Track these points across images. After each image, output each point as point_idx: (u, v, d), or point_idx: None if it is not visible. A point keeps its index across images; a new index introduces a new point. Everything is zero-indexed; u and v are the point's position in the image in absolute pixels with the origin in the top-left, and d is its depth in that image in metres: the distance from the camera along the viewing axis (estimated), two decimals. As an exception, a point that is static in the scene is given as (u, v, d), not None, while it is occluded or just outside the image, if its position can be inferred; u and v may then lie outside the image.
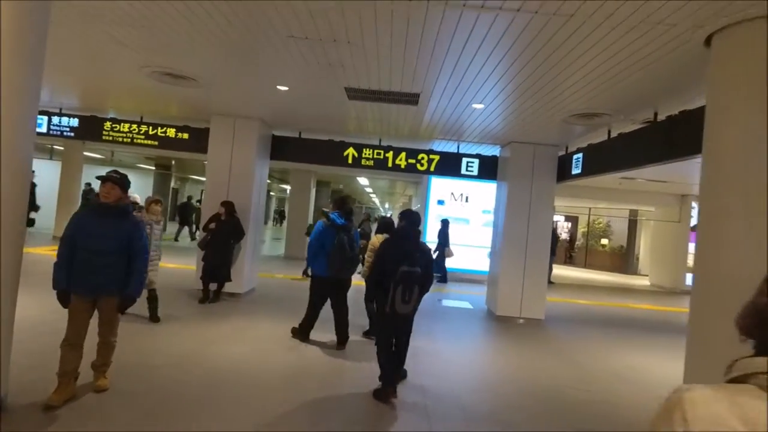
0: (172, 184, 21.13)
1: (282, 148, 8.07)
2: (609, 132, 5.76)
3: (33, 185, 9.37)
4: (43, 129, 8.07)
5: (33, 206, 9.87)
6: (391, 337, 3.93)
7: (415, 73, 4.40)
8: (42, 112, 8.06)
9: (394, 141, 8.08)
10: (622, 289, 13.15)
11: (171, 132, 7.99)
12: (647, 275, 15.03)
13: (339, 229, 4.91)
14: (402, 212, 4.29)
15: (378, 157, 7.99)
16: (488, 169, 8.02)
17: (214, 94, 5.92)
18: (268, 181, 10.96)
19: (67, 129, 8.11)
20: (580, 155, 6.49)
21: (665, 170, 8.16)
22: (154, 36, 4.07)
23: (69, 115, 8.09)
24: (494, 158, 8.05)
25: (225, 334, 5.34)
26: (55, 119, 8.07)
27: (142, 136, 8.01)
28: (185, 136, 7.99)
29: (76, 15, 3.73)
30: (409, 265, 3.60)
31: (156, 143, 8.02)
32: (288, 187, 24.34)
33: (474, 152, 8.21)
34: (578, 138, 6.56)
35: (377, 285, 3.78)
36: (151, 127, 7.98)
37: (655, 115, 4.81)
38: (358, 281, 5.50)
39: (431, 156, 7.97)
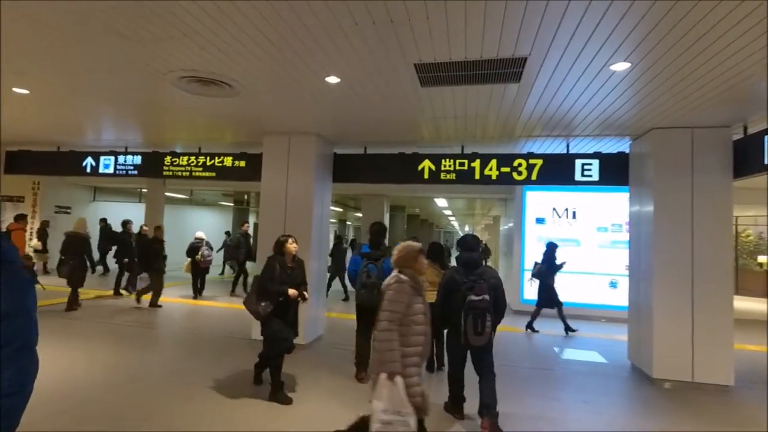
0: (253, 219, 21.30)
1: (346, 168, 6.89)
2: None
3: (129, 234, 9.40)
4: (110, 170, 7.81)
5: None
6: (462, 368, 3.85)
7: (523, 23, 2.89)
8: (109, 153, 7.81)
9: (479, 147, 6.52)
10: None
11: (228, 161, 7.24)
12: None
13: (363, 256, 4.90)
14: (461, 238, 4.05)
15: (461, 168, 6.46)
16: (614, 171, 6.06)
17: (251, 100, 4.87)
18: (339, 209, 9.91)
19: (131, 167, 7.74)
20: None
21: None
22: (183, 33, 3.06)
23: (133, 153, 7.73)
24: (622, 156, 6.09)
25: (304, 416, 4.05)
26: (121, 158, 7.75)
27: (200, 168, 7.36)
28: (242, 164, 7.19)
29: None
30: (475, 294, 3.52)
31: (213, 174, 7.31)
32: (359, 214, 23.55)
33: (589, 151, 6.35)
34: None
35: (444, 317, 3.75)
36: (208, 158, 7.32)
37: None
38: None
39: (532, 161, 6.24)
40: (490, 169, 6.34)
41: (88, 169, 7.85)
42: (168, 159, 7.50)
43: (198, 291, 9.74)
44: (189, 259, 9.45)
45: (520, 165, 6.25)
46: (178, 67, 3.88)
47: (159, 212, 12.47)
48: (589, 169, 6.13)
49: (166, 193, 13.12)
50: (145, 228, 9.46)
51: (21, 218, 8.15)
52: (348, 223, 30.18)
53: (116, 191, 14.81)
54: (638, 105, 4.43)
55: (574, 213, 9.37)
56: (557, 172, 6.19)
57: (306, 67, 3.80)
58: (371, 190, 11.94)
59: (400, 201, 15.66)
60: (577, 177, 6.16)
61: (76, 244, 7.51)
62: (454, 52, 3.36)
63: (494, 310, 3.58)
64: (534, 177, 6.22)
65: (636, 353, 5.63)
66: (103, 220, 13.16)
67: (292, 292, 4.13)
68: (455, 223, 31.75)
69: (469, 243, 3.86)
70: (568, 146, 6.28)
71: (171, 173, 7.48)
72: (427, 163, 6.63)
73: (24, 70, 4.21)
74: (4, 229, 8.10)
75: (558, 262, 7.60)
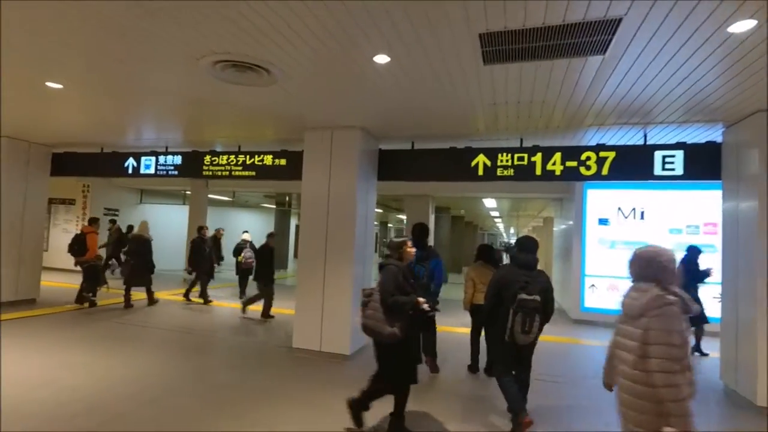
0: (294, 222, 21.29)
1: (392, 165, 6.39)
2: None
3: (204, 240, 9.05)
4: (151, 170, 7.71)
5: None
6: (511, 368, 3.83)
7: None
8: (150, 153, 7.72)
9: (540, 139, 5.86)
10: None
11: (268, 159, 6.93)
12: None
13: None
14: (519, 240, 4.04)
15: (520, 163, 5.81)
16: (702, 163, 5.23)
17: (290, 88, 4.47)
18: (380, 210, 9.44)
19: (172, 167, 7.60)
20: None
21: None
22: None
23: (173, 153, 7.60)
24: (711, 146, 5.25)
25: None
26: (162, 159, 7.64)
27: (240, 168, 7.10)
28: (282, 162, 6.86)
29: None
30: (527, 294, 3.53)
31: (253, 173, 7.02)
32: (405, 217, 23.04)
33: (670, 141, 5.55)
34: None
35: (490, 313, 3.79)
36: (248, 157, 7.04)
37: None
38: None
39: (602, 153, 5.50)
40: (554, 164, 5.66)
41: (130, 170, 7.79)
42: (207, 158, 7.29)
43: (242, 293, 9.69)
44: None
45: (588, 158, 5.53)
46: (212, 51, 3.52)
47: (202, 214, 12.49)
48: (672, 162, 5.32)
49: (210, 195, 13.15)
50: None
51: (94, 222, 8.54)
52: (389, 225, 29.75)
53: (162, 193, 15.06)
54: (748, 81, 3.66)
55: (642, 213, 8.44)
56: (633, 165, 5.42)
57: (352, 44, 3.32)
58: (415, 190, 11.40)
59: (445, 202, 15.02)
60: (657, 171, 5.36)
61: (139, 246, 8.06)
62: (531, 16, 2.78)
63: (544, 311, 3.62)
64: (605, 172, 5.48)
65: (731, 375, 4.79)
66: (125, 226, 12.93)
67: (421, 302, 3.34)
68: (500, 226, 30.60)
69: (527, 244, 3.87)
70: (645, 136, 5.51)
71: (210, 173, 7.28)
72: (481, 159, 6.03)
73: (55, 61, 4.00)
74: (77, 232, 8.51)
75: (702, 268, 6.24)
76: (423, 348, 4.75)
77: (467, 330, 5.55)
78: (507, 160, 5.91)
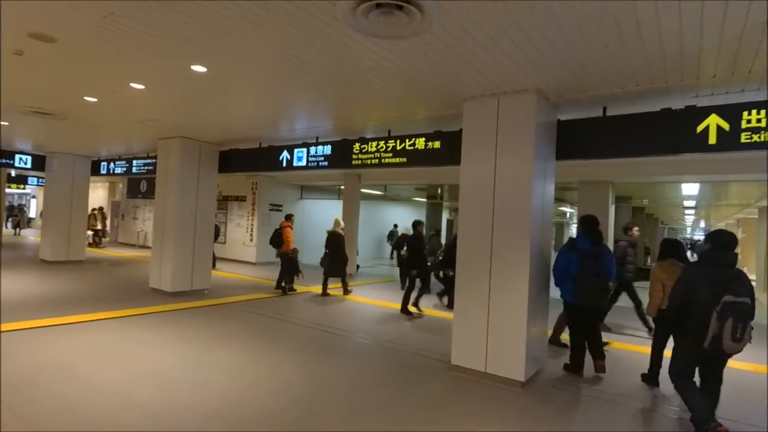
0: (446, 216, 20.48)
1: (574, 140, 4.89)
2: None
3: (421, 239, 8.12)
4: (303, 162, 7.59)
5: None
6: (693, 375, 3.57)
7: None
8: (302, 145, 7.60)
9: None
10: None
11: (420, 143, 6.06)
12: None
13: (584, 254, 4.65)
14: (714, 234, 3.57)
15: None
16: None
17: (446, 36, 3.42)
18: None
19: (322, 158, 7.34)
20: None
21: None
22: None
23: (323, 143, 7.32)
24: None
25: None
26: (312, 150, 7.44)
27: (390, 154, 6.40)
28: (436, 144, 5.92)
29: None
30: (734, 295, 3.18)
31: (404, 160, 6.24)
32: (567, 210, 20.25)
33: None
34: None
35: (677, 319, 3.50)
36: (398, 142, 6.29)
37: None
38: None
39: None
40: None
41: (284, 163, 7.79)
42: (357, 146, 6.79)
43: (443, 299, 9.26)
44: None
45: None
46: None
47: (355, 208, 12.48)
48: None
49: (362, 190, 13.12)
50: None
51: (289, 218, 9.42)
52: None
53: (319, 189, 15.72)
54: None
55: None
56: None
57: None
58: (592, 175, 9.38)
59: (628, 190, 12.36)
60: None
61: (334, 240, 8.82)
62: None
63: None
64: None
65: None
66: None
67: None
68: (689, 218, 25.00)
69: (726, 240, 3.48)
70: None
71: (360, 161, 6.75)
72: (714, 120, 4.19)
73: (198, 44, 3.70)
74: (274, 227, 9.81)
75: None
76: (589, 347, 4.83)
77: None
78: (758, 119, 3.96)
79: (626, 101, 4.60)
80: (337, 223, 9.14)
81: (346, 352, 5.42)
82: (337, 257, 8.83)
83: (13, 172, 18.95)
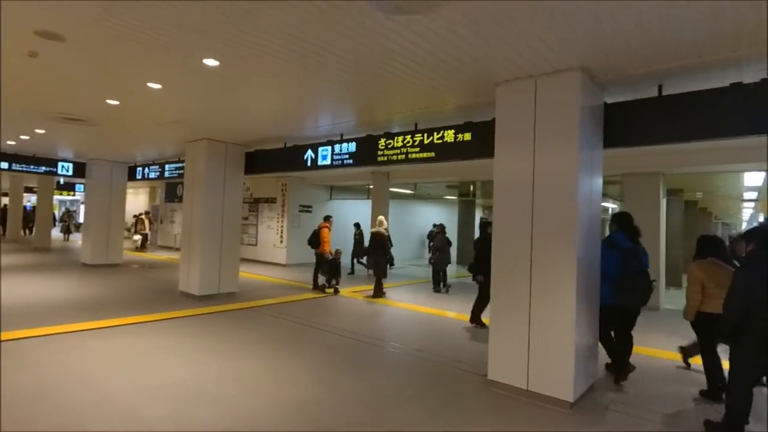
0: (480, 214, 19.79)
1: (623, 125, 4.30)
2: None
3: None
4: (327, 161, 7.29)
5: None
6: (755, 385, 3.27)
7: None
8: (326, 143, 7.31)
9: None
10: None
11: (449, 135, 5.62)
12: None
13: (624, 252, 4.37)
14: (754, 230, 3.42)
15: None
16: None
17: (470, 9, 2.97)
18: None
19: (347, 156, 7.01)
20: None
21: None
22: None
23: (348, 140, 6.99)
24: None
25: None
26: (337, 147, 7.13)
27: (417, 149, 5.99)
28: (467, 137, 5.46)
29: None
30: None
31: (432, 154, 5.81)
32: (610, 205, 19.14)
33: None
34: None
35: (736, 328, 3.11)
36: (425, 135, 5.87)
37: None
38: None
39: None
40: None
41: (309, 163, 7.53)
42: (382, 142, 6.42)
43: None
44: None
45: None
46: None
47: (384, 208, 12.12)
48: None
49: (391, 189, 12.75)
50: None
51: (328, 219, 9.60)
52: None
53: (348, 189, 15.47)
54: None
55: None
56: None
57: None
58: (641, 166, 8.61)
59: (680, 182, 11.37)
60: None
61: (377, 240, 8.76)
62: None
63: None
64: None
65: None
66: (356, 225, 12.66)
67: None
68: (747, 211, 23.11)
69: None
70: None
71: (386, 158, 6.37)
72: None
73: (206, 34, 3.44)
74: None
75: None
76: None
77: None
78: None
79: (686, 77, 4.00)
80: (380, 222, 8.99)
81: (375, 363, 5.05)
82: (381, 256, 8.70)
83: (61, 180, 19.85)
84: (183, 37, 3.60)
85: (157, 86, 5.07)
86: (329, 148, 7.22)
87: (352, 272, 12.20)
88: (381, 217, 9.16)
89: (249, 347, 5.31)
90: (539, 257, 4.02)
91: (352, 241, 12.28)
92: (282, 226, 13.76)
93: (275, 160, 8.29)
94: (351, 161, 6.92)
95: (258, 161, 8.61)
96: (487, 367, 4.34)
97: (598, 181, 4.40)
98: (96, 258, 11.95)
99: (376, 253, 8.80)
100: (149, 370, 4.42)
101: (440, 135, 5.69)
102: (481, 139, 5.19)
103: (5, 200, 21.03)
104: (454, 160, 5.60)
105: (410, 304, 8.34)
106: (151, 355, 4.87)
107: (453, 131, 5.56)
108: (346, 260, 11.00)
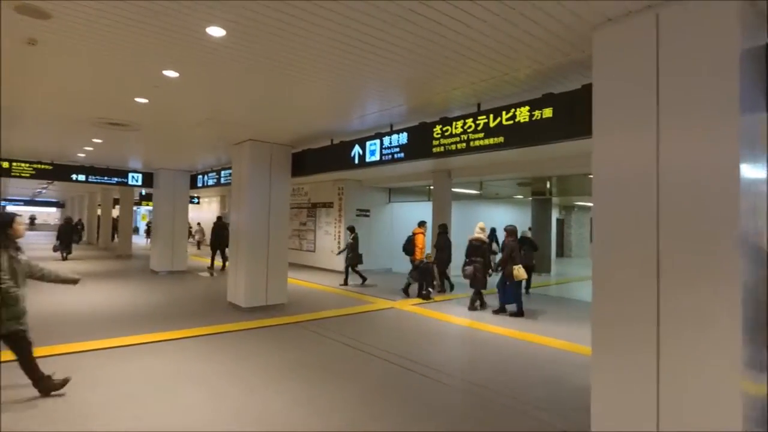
0: (556, 215, 17.81)
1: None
2: None
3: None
4: (376, 156, 6.32)
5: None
6: None
7: None
8: (374, 136, 6.35)
9: None
10: None
11: (522, 113, 4.38)
12: None
13: None
14: None
15: None
16: None
17: None
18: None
19: (397, 149, 5.98)
20: None
21: None
22: None
23: (398, 131, 5.97)
24: None
25: None
26: (386, 140, 6.13)
27: (481, 135, 4.81)
28: (547, 113, 4.18)
29: None
30: None
31: (501, 140, 4.60)
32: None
33: None
34: None
35: None
36: (491, 117, 4.68)
37: None
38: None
39: None
40: None
41: (356, 160, 6.60)
42: (437, 129, 5.31)
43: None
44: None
45: None
46: None
47: (446, 209, 10.93)
48: None
49: (454, 189, 11.53)
50: None
51: (422, 224, 9.57)
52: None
53: (407, 191, 14.43)
54: None
55: None
56: None
57: None
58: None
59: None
60: None
61: (476, 249, 8.18)
62: None
63: None
64: None
65: None
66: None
67: None
68: None
69: None
70: None
71: (442, 148, 5.25)
72: None
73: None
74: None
75: None
76: None
77: None
78: None
79: None
80: (481, 229, 8.25)
81: (422, 401, 3.93)
82: (480, 267, 8.01)
83: (143, 191, 20.97)
84: (186, 8, 2.80)
85: (175, 74, 4.42)
86: (377, 141, 6.24)
87: (345, 283, 10.52)
88: (481, 223, 8.39)
89: (279, 375, 4.47)
90: (672, 267, 2.67)
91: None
92: (339, 232, 13.05)
93: (321, 159, 7.48)
94: (402, 155, 5.88)
95: (305, 162, 7.88)
96: (588, 416, 3.06)
97: (763, 161, 2.94)
98: (162, 265, 12.06)
99: (473, 261, 8.01)
100: (158, 406, 3.69)
101: (510, 114, 4.47)
102: (568, 115, 3.91)
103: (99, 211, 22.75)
104: (531, 144, 4.35)
105: (480, 323, 7.09)
106: (170, 384, 4.18)
107: (527, 108, 4.32)
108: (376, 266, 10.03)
